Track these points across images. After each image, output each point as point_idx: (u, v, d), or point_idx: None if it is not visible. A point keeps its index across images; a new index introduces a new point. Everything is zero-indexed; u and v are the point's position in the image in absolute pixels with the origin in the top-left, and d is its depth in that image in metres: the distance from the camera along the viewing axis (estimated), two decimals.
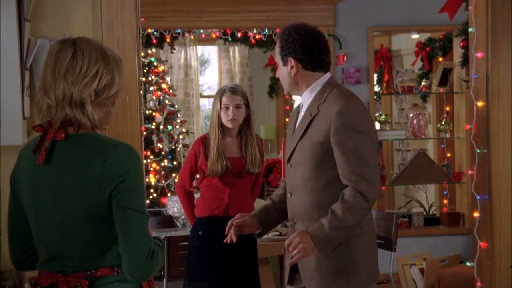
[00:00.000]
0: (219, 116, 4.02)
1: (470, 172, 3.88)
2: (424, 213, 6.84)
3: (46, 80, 2.03)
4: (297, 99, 9.85)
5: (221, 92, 4.05)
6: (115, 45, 3.29)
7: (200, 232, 4.01)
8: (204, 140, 4.08)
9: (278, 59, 2.84)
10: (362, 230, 2.75)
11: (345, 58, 6.50)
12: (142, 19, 3.62)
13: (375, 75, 7.90)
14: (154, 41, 7.21)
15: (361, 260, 2.76)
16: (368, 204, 2.65)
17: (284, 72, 2.82)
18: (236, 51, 9.90)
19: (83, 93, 2.00)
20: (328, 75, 2.84)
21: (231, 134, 4.08)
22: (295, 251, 2.60)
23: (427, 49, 7.45)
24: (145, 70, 7.79)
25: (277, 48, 2.84)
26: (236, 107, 4.00)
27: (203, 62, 10.77)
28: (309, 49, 2.78)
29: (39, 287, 2.05)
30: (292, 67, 2.79)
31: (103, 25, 3.31)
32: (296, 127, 2.86)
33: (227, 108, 4.00)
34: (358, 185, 2.64)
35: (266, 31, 7.13)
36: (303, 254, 2.60)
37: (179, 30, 7.10)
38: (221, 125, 4.03)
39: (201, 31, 7.46)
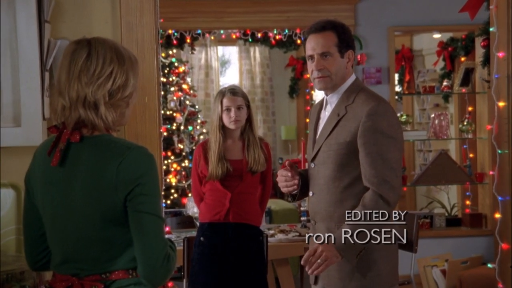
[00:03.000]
0: (220, 119, 4.00)
1: (491, 172, 3.85)
2: (446, 214, 6.79)
3: (60, 81, 2.02)
4: (317, 100, 9.84)
5: (221, 95, 4.02)
6: (134, 46, 3.30)
7: (201, 238, 4.00)
8: (204, 145, 4.08)
9: (333, 50, 2.80)
10: None
11: (365, 58, 6.47)
12: (161, 20, 3.64)
13: (396, 75, 7.86)
14: (175, 42, 7.23)
15: (381, 262, 2.74)
16: (388, 208, 2.63)
17: (341, 65, 2.82)
18: (256, 52, 9.91)
19: (97, 94, 1.97)
20: (354, 76, 2.87)
21: (232, 136, 4.06)
22: (319, 260, 2.59)
23: (449, 48, 7.39)
24: (165, 71, 7.82)
25: (333, 39, 2.80)
26: (238, 108, 3.99)
27: (224, 63, 10.79)
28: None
29: None
30: (349, 61, 2.84)
31: (122, 26, 3.32)
32: (322, 127, 2.86)
33: (228, 110, 3.98)
34: (379, 188, 2.64)
35: (286, 31, 7.12)
36: (327, 262, 2.60)
37: (199, 31, 7.11)
38: (222, 128, 4.02)
39: (221, 31, 7.49)
